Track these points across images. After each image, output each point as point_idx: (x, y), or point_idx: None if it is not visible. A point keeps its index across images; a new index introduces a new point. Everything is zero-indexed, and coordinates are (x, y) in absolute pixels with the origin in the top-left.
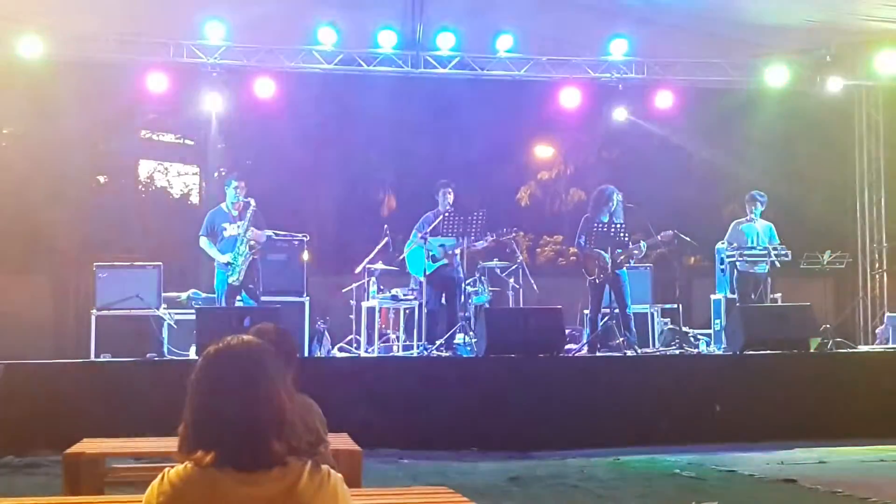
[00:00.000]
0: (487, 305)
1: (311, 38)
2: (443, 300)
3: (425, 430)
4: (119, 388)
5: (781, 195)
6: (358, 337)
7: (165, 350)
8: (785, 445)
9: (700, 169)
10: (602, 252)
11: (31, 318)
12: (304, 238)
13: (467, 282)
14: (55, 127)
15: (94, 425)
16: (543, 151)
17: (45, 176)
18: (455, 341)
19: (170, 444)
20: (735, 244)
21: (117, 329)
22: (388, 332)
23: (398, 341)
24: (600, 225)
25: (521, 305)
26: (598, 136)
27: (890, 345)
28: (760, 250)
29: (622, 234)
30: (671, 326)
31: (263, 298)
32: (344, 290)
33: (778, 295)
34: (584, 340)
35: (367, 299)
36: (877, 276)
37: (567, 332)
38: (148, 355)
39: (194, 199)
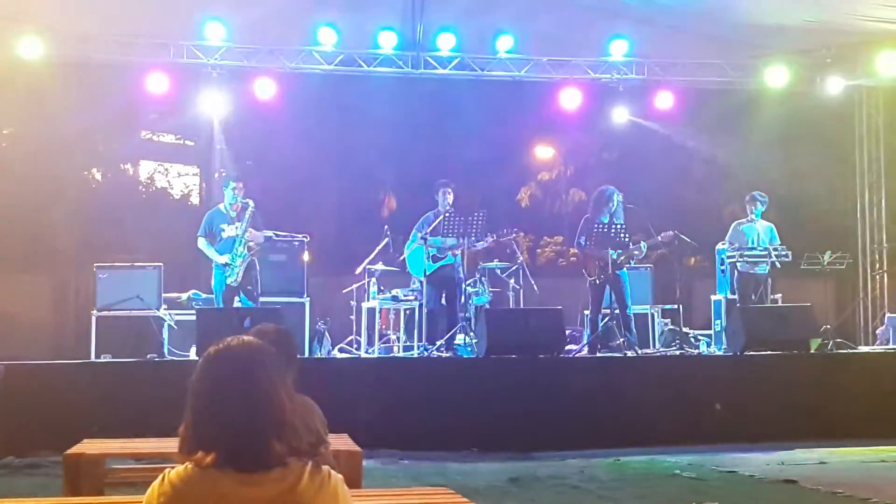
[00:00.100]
0: (488, 306)
1: (312, 38)
2: (443, 301)
3: (426, 430)
4: (119, 388)
5: (782, 196)
6: (358, 337)
7: (166, 351)
8: (785, 446)
9: (700, 169)
10: (602, 253)
11: (31, 319)
12: (305, 238)
13: (468, 282)
14: (55, 127)
15: (95, 426)
16: (544, 152)
17: (45, 176)
18: (455, 342)
19: (170, 444)
20: (736, 245)
21: (118, 330)
22: (389, 332)
23: (398, 342)
24: (601, 226)
25: (522, 306)
26: (599, 136)
27: (890, 345)
28: (761, 251)
29: (622, 235)
30: (671, 327)
31: (264, 299)
32: (344, 291)
33: (778, 296)
34: (585, 341)
35: (368, 300)
36: (877, 276)
37: (567, 332)
38: (148, 356)
39: (195, 199)
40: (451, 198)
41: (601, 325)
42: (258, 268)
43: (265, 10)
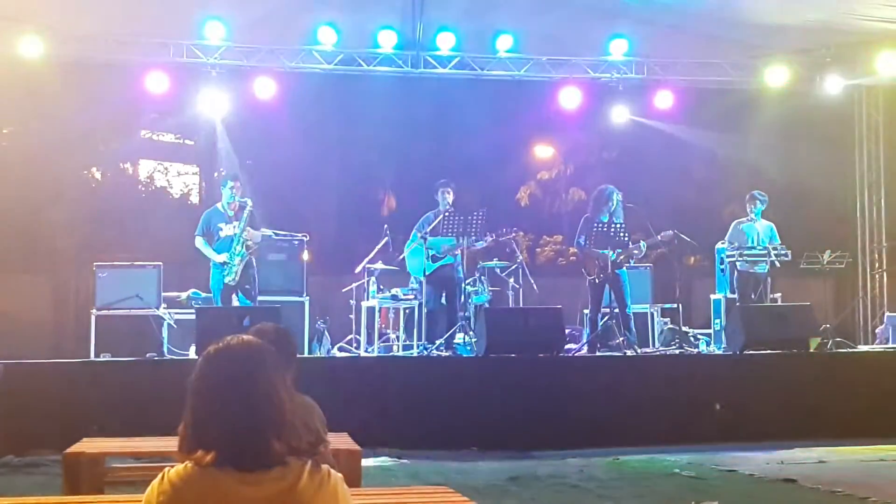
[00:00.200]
0: (487, 305)
1: (311, 37)
2: (443, 300)
3: (425, 429)
4: (119, 387)
5: (781, 195)
6: (358, 337)
7: (165, 350)
8: (785, 445)
9: (700, 169)
10: (602, 252)
11: (31, 318)
12: (304, 238)
13: (467, 281)
14: (55, 127)
15: (94, 425)
16: (543, 151)
17: (45, 176)
18: (455, 341)
19: (170, 443)
20: (735, 244)
21: (117, 329)
22: (388, 331)
23: (398, 341)
24: (600, 225)
25: (521, 305)
26: (598, 136)
27: (890, 344)
28: (760, 250)
29: (622, 234)
30: (671, 326)
31: (263, 298)
32: (344, 290)
33: (778, 295)
34: (584, 340)
35: (367, 299)
36: (877, 275)
37: (567, 331)
38: (148, 355)
39: (194, 198)
40: (451, 197)
41: (601, 324)
42: (256, 267)
43: (265, 9)
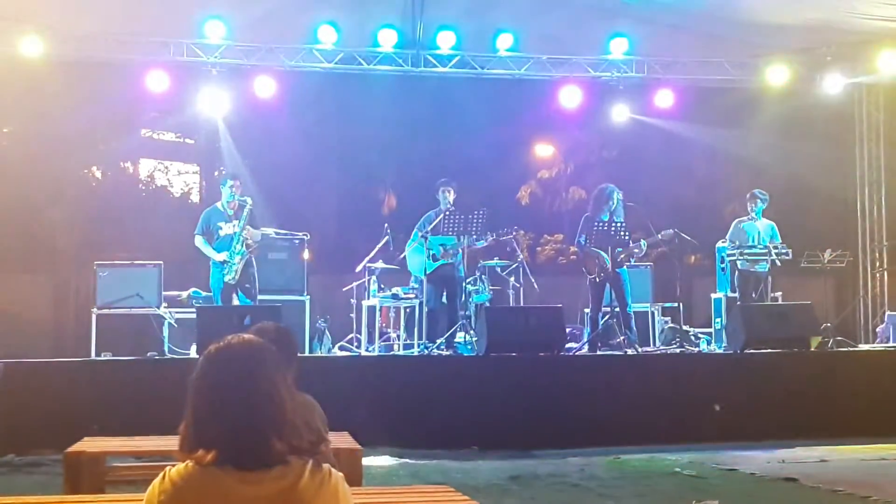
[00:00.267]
0: (488, 304)
1: (312, 36)
2: (443, 299)
3: (426, 428)
4: (120, 386)
5: (782, 194)
6: (358, 336)
7: (166, 349)
8: (786, 444)
9: (700, 168)
10: (602, 251)
11: (31, 318)
12: (305, 237)
13: (468, 280)
14: (55, 126)
15: (95, 424)
16: (544, 150)
17: (45, 176)
18: (456, 340)
19: (171, 442)
20: (736, 242)
21: (118, 328)
22: (389, 330)
23: (399, 340)
24: (601, 224)
25: (522, 304)
26: (599, 134)
27: (890, 343)
28: (761, 249)
29: (622, 233)
30: (672, 325)
31: (264, 297)
32: (344, 289)
33: (778, 294)
34: (585, 339)
35: (368, 298)
36: (877, 274)
37: (567, 330)
38: (148, 354)
39: (195, 197)
40: (451, 196)
41: (601, 323)
42: (256, 266)
43: (265, 8)
